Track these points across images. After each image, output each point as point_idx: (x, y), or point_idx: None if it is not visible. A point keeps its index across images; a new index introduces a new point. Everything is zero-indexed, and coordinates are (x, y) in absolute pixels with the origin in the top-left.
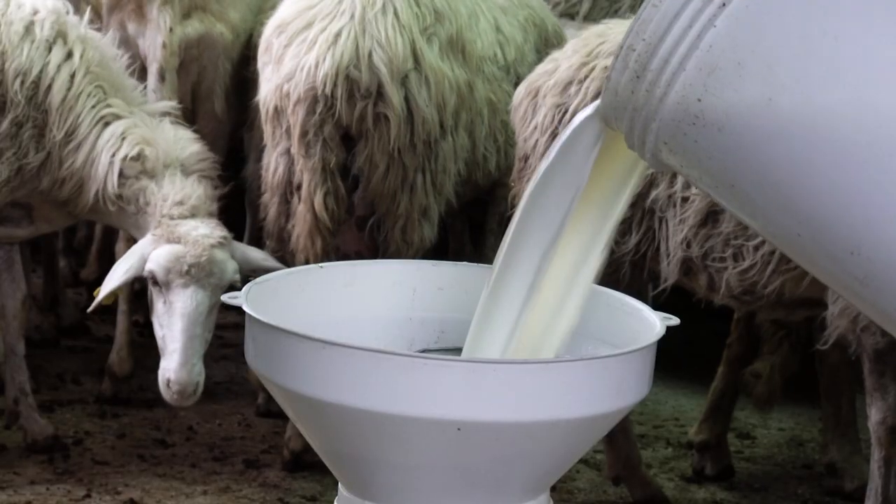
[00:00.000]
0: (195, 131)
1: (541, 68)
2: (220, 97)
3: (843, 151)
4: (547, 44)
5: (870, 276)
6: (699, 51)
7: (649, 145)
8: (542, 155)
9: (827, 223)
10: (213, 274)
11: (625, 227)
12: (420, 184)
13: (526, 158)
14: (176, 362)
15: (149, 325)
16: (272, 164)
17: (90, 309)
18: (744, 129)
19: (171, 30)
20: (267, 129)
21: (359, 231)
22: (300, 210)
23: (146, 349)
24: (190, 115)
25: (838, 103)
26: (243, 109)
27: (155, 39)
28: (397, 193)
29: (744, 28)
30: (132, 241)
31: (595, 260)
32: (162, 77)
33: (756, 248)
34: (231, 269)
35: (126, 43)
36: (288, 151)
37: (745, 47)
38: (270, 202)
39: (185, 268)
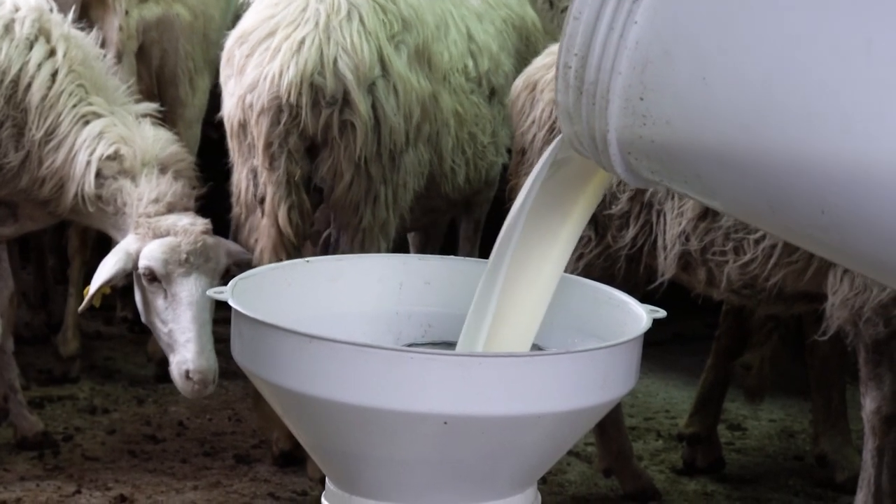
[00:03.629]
0: (164, 117)
1: (539, 61)
2: (183, 81)
3: (782, 109)
4: (527, 42)
5: (846, 232)
6: (628, 50)
7: (616, 159)
8: (540, 149)
9: (790, 186)
10: (211, 259)
11: (622, 222)
12: (382, 197)
13: (523, 152)
14: (193, 352)
15: (138, 322)
16: (242, 182)
17: (81, 309)
18: (688, 115)
19: (126, 12)
20: (233, 145)
21: (312, 247)
22: (264, 224)
23: (136, 345)
24: (158, 102)
25: (764, 65)
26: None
27: (113, 23)
28: (360, 206)
29: (663, 17)
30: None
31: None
32: (119, 59)
33: (757, 242)
34: (224, 254)
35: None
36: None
37: (668, 35)
38: (243, 220)
39: (184, 256)
